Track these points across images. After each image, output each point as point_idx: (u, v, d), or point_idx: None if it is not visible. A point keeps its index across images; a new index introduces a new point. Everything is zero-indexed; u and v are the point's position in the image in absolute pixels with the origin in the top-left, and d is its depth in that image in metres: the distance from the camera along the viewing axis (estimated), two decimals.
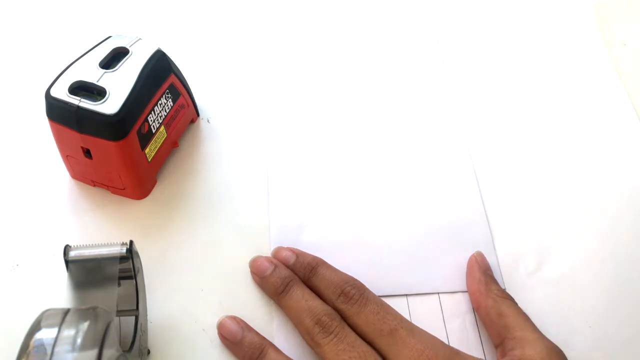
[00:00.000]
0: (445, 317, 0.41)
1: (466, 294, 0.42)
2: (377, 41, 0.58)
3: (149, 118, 0.44)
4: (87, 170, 0.46)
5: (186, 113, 0.49)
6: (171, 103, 0.47)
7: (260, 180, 0.48)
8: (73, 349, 0.30)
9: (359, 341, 0.37)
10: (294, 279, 0.41)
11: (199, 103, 0.52)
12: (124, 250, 0.36)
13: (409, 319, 0.41)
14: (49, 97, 0.42)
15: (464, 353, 0.36)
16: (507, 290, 0.42)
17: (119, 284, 0.37)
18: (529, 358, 0.35)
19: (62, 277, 0.36)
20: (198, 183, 0.48)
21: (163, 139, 0.47)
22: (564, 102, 0.53)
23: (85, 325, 0.31)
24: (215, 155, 0.50)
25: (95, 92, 0.42)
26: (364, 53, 0.57)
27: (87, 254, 0.36)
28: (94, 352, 0.30)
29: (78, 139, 0.42)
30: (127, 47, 0.44)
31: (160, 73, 0.45)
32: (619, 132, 0.51)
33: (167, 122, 0.47)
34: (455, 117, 0.52)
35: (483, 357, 0.39)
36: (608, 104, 0.53)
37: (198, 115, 0.52)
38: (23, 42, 0.58)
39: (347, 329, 0.37)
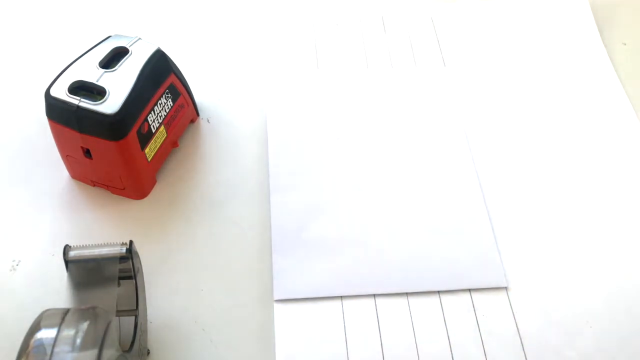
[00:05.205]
0: (445, 316, 0.41)
1: (467, 293, 0.42)
2: (377, 49, 0.58)
3: (148, 118, 0.44)
4: (87, 170, 0.46)
5: (186, 113, 0.49)
6: (171, 103, 0.47)
7: (260, 180, 0.48)
8: (73, 349, 0.30)
9: None
10: None
11: (199, 103, 0.52)
12: (123, 250, 0.36)
13: (409, 318, 0.41)
14: (48, 97, 0.42)
15: None
16: (509, 289, 0.42)
17: (119, 284, 0.37)
18: None
19: (62, 277, 0.36)
20: (198, 183, 0.48)
21: (163, 138, 0.47)
22: (563, 102, 0.53)
23: (85, 325, 0.31)
24: (215, 155, 0.49)
25: (95, 91, 0.42)
26: (364, 54, 0.57)
27: (87, 254, 0.36)
28: (93, 352, 0.30)
29: (78, 139, 0.42)
30: (127, 47, 0.44)
31: (160, 73, 0.45)
32: (619, 132, 0.51)
33: (167, 122, 0.47)
34: (456, 117, 0.51)
35: (484, 357, 0.39)
36: (608, 104, 0.53)
37: (198, 115, 0.52)
38: (23, 42, 0.58)
39: None
